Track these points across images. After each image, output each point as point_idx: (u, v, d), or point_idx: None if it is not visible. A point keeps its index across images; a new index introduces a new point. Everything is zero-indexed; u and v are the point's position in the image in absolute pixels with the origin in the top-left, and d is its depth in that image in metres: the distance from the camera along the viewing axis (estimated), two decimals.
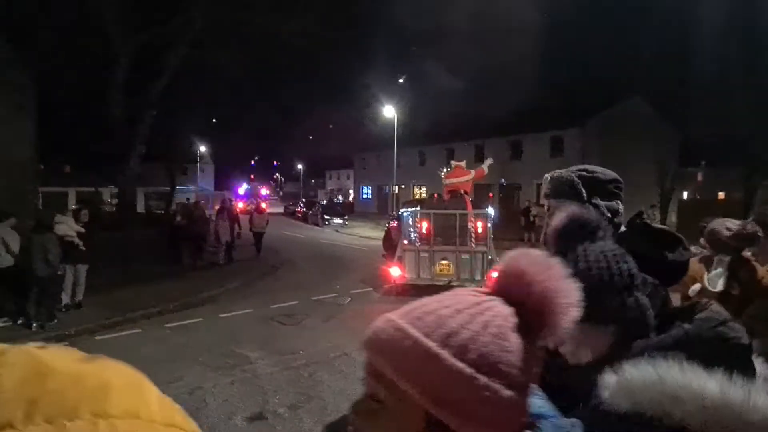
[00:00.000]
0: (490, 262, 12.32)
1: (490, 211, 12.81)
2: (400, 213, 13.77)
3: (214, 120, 45.59)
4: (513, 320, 0.83)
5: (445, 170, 14.19)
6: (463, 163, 14.02)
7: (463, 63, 45.56)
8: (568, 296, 0.83)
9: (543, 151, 34.09)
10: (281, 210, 60.21)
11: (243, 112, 53.91)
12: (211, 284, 13.90)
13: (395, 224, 22.21)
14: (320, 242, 27.50)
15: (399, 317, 0.85)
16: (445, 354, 0.77)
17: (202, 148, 58.85)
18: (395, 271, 12.59)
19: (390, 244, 22.39)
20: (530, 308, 0.83)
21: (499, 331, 0.81)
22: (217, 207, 20.20)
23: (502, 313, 0.83)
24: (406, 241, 12.94)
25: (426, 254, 12.57)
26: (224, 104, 39.58)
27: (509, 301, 0.86)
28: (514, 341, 0.81)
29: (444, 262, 12.55)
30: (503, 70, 38.61)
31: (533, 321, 0.83)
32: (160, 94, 19.14)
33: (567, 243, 1.43)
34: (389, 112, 35.44)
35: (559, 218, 1.41)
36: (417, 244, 12.68)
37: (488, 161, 14.64)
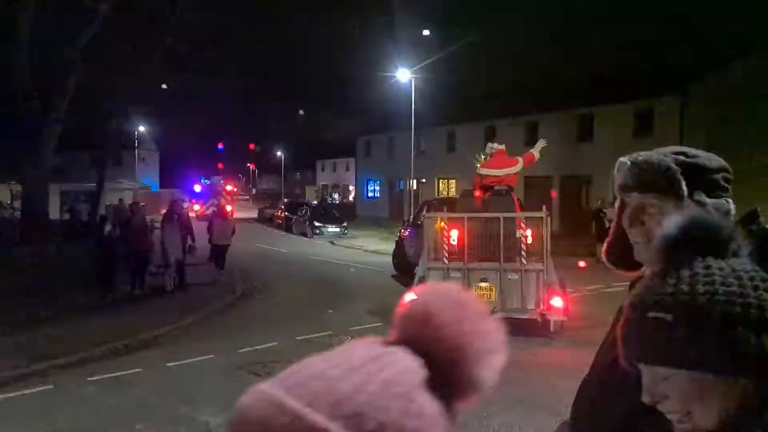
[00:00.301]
0: (548, 286, 12.41)
1: (547, 214, 12.96)
2: (420, 217, 13.86)
3: (163, 87, 45.55)
4: (421, 376, 0.88)
5: (482, 156, 14.25)
6: (503, 147, 14.14)
7: (509, 13, 45.73)
8: (490, 340, 0.91)
9: (624, 129, 33.95)
10: (254, 214, 60.70)
11: (203, 78, 54.23)
12: (156, 320, 13.86)
13: (408, 233, 22.65)
14: (309, 259, 27.56)
15: (273, 386, 0.87)
16: (335, 428, 0.80)
17: (143, 129, 59.28)
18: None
19: (403, 259, 22.90)
20: (441, 358, 0.89)
21: (404, 391, 0.85)
22: (163, 211, 20.31)
23: (408, 368, 0.87)
24: (430, 257, 13.10)
25: (458, 274, 12.83)
26: (178, 66, 39.74)
27: (416, 350, 0.91)
28: (424, 403, 0.86)
29: (483, 284, 12.77)
30: (568, 21, 38.73)
31: (447, 375, 0.89)
32: (83, 51, 19.21)
33: (682, 257, 1.37)
34: (404, 75, 35.53)
35: (674, 222, 1.36)
36: (445, 261, 12.89)
37: (541, 143, 14.72)
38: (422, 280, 12.88)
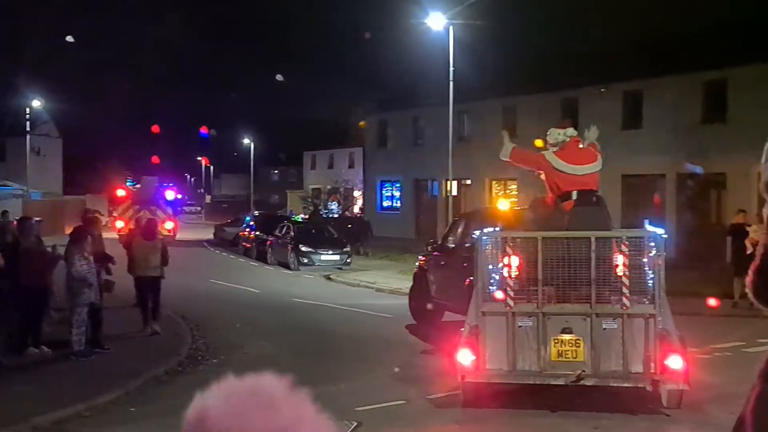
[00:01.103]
0: (663, 338, 12.45)
1: (658, 231, 13.06)
2: (454, 238, 13.98)
3: (69, 39, 45.72)
4: None
5: (558, 137, 14.21)
6: (576, 134, 14.29)
7: None
8: None
9: None
10: (209, 234, 60.41)
11: (128, 26, 54.46)
12: (57, 396, 13.78)
13: (435, 261, 22.61)
14: (292, 303, 27.61)
15: None
16: None
17: (37, 104, 59.22)
18: (464, 358, 12.90)
19: (423, 298, 22.85)
20: None
21: None
22: (69, 230, 20.38)
23: None
24: (485, 296, 13.26)
25: (529, 322, 12.97)
26: (90, 5, 39.95)
27: None
28: None
29: (566, 337, 12.86)
30: None
31: None
32: None
33: None
34: (438, 22, 35.52)
35: None
36: (510, 301, 12.97)
37: (594, 131, 14.50)
38: (475, 331, 13.07)
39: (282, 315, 24.59)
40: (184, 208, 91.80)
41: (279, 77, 72.75)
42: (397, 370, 16.19)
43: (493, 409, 13.21)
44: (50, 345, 17.49)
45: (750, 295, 2.15)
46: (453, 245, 21.27)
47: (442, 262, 21.18)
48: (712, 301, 20.22)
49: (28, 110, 57.27)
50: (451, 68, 34.93)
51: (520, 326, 12.82)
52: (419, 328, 20.96)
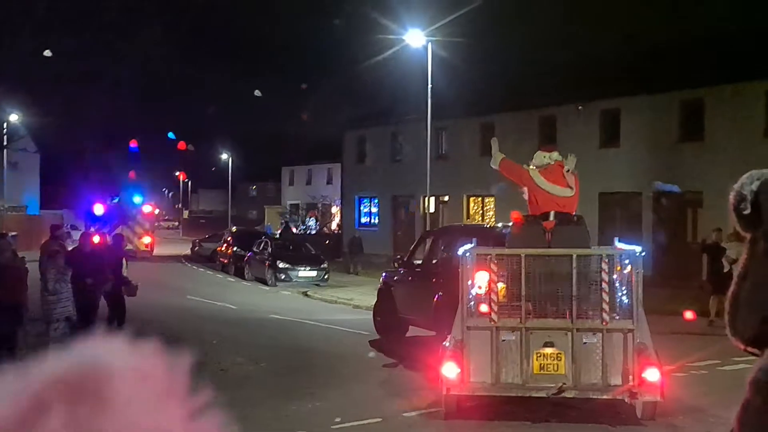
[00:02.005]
0: (641, 352, 12.88)
1: (635, 249, 13.67)
2: (460, 253, 14.29)
3: (47, 54, 45.52)
4: None
5: (543, 160, 14.57)
6: (561, 159, 14.66)
7: None
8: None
9: (754, 120, 33.92)
10: (186, 250, 60.33)
11: (108, 41, 54.19)
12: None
13: (401, 277, 22.90)
14: (269, 320, 27.64)
15: None
16: None
17: (15, 118, 58.99)
18: (450, 371, 13.21)
19: (392, 316, 23.27)
20: None
21: None
22: (43, 241, 20.31)
23: None
24: (469, 312, 13.65)
25: (512, 336, 13.41)
26: (68, 21, 39.88)
27: None
28: None
29: (549, 350, 13.28)
30: None
31: None
32: None
33: None
34: (416, 39, 35.62)
35: None
36: (494, 316, 13.36)
37: (572, 159, 14.89)
38: (458, 345, 13.42)
39: (259, 331, 24.57)
40: (161, 223, 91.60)
41: (257, 93, 72.81)
42: (362, 394, 16.13)
43: (474, 422, 13.33)
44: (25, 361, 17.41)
45: (727, 330, 2.05)
46: (420, 261, 22.11)
47: (409, 278, 21.87)
48: (689, 314, 20.42)
49: (5, 125, 57.03)
50: (429, 85, 35.00)
51: (504, 340, 13.21)
52: (396, 346, 21.01)
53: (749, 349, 1.96)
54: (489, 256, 13.60)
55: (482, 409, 13.35)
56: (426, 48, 35.25)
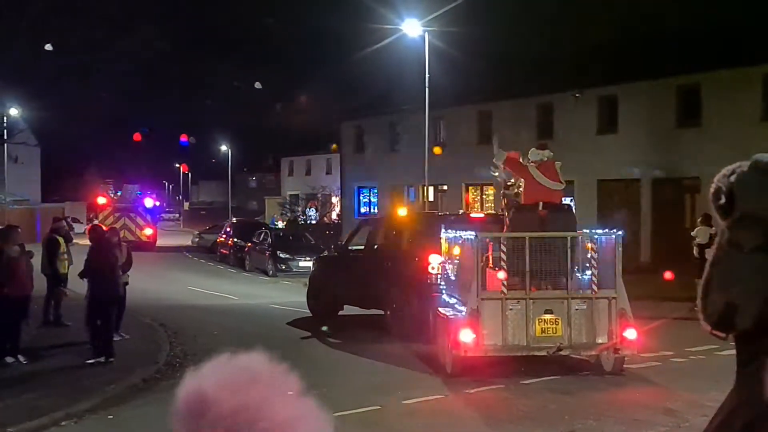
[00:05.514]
0: (622, 315, 15.58)
1: (618, 232, 16.20)
2: (473, 238, 16.22)
3: (48, 48, 45.52)
4: None
5: (537, 156, 17.21)
6: (551, 155, 17.41)
7: None
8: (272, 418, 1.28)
9: (751, 106, 33.89)
10: (187, 241, 60.30)
11: (109, 34, 54.08)
12: (29, 408, 13.68)
13: (337, 261, 23.80)
14: (271, 310, 27.69)
15: None
16: None
17: (15, 112, 58.98)
18: (467, 336, 15.21)
19: (326, 298, 24.49)
20: None
21: None
22: (47, 232, 20.35)
23: None
24: (481, 285, 15.83)
25: (518, 306, 15.71)
26: (69, 15, 39.81)
27: None
28: None
29: (548, 316, 15.69)
30: None
31: None
32: None
33: None
34: (413, 28, 35.59)
35: None
36: (504, 288, 15.67)
37: (546, 153, 17.47)
38: (475, 314, 15.47)
39: (260, 321, 24.60)
40: (163, 215, 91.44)
41: (257, 85, 72.82)
42: (366, 382, 16.20)
43: (468, 414, 13.58)
44: (27, 354, 17.47)
45: (699, 314, 2.07)
46: (362, 247, 24.38)
47: (351, 263, 24.10)
48: (668, 274, 21.64)
49: (5, 118, 56.89)
50: (427, 75, 35.01)
51: (511, 309, 15.51)
52: (397, 334, 20.96)
53: (714, 332, 2.04)
54: (499, 240, 16.14)
55: (477, 401, 14.39)
56: (423, 37, 35.24)
